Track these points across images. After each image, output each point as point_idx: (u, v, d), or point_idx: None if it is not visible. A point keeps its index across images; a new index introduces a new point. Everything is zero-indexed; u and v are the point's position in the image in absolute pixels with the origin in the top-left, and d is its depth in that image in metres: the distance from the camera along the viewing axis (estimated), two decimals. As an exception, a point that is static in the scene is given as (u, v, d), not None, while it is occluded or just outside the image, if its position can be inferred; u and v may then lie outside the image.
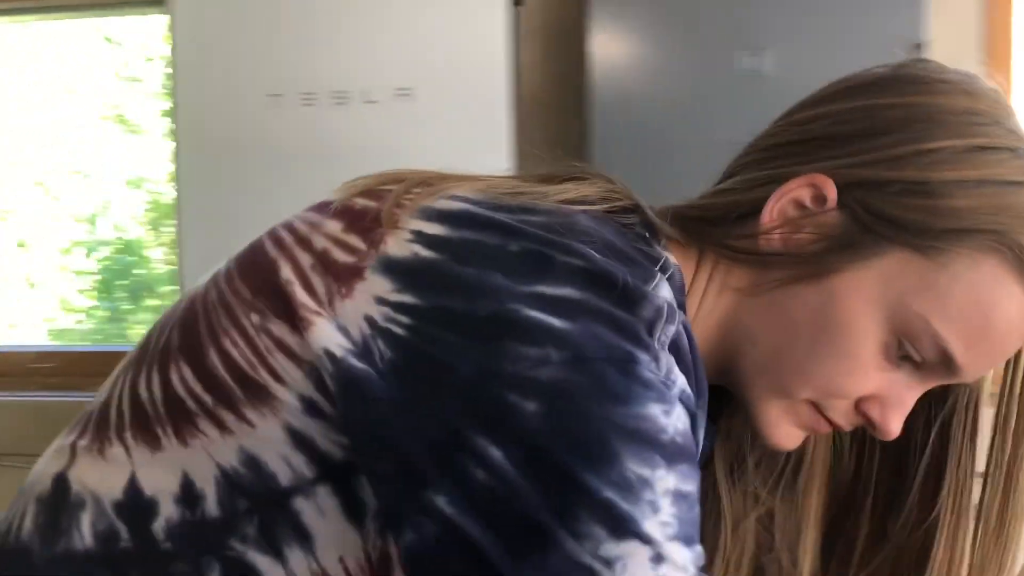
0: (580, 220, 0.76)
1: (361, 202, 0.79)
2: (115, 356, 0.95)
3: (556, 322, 0.66)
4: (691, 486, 0.67)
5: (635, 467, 0.64)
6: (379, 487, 0.70)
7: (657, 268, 0.75)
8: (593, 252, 0.71)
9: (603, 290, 0.69)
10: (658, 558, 0.64)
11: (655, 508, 0.64)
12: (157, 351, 0.79)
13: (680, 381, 0.70)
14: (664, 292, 0.73)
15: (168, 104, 1.85)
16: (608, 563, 0.63)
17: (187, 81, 1.73)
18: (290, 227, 0.80)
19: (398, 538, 0.70)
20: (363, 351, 0.70)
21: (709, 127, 1.47)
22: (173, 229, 2.15)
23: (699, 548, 0.67)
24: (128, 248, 3.00)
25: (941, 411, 0.93)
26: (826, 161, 0.79)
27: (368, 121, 1.54)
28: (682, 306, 0.77)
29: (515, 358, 0.66)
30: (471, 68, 1.50)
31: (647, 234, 0.80)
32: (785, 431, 0.83)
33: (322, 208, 0.80)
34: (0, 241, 2.99)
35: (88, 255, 3.00)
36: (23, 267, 3.01)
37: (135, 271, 3.02)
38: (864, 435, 0.97)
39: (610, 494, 0.63)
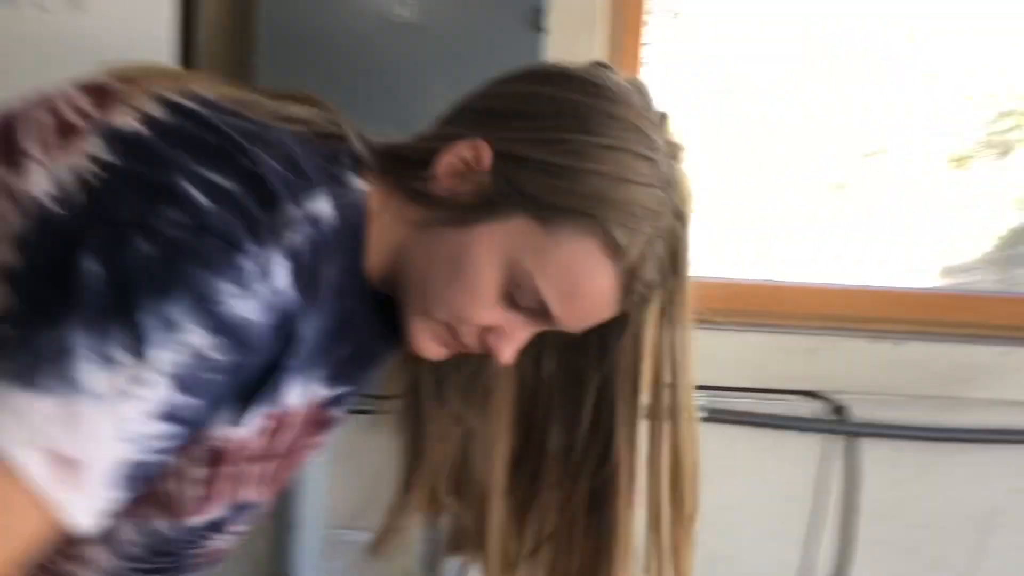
0: (274, 134, 0.89)
1: (112, 82, 0.91)
2: None
3: (203, 200, 0.80)
4: (219, 356, 0.79)
5: (176, 313, 0.76)
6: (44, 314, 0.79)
7: (328, 187, 0.88)
8: (268, 160, 0.84)
9: (253, 190, 0.82)
10: (138, 380, 0.75)
11: (169, 347, 0.76)
12: None
13: (277, 283, 0.82)
14: (320, 207, 0.86)
15: None
16: (105, 359, 0.75)
17: None
18: (43, 93, 0.91)
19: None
20: (63, 197, 0.82)
21: (367, 70, 1.61)
22: None
23: (194, 402, 0.79)
24: None
25: (604, 357, 1.07)
26: (491, 131, 0.92)
27: (37, 29, 1.56)
28: (355, 226, 0.92)
29: (159, 216, 0.79)
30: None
31: (347, 160, 0.94)
32: (426, 344, 0.98)
33: (81, 84, 0.92)
34: None
35: None
36: None
37: None
38: (540, 365, 1.12)
39: (143, 318, 0.76)
